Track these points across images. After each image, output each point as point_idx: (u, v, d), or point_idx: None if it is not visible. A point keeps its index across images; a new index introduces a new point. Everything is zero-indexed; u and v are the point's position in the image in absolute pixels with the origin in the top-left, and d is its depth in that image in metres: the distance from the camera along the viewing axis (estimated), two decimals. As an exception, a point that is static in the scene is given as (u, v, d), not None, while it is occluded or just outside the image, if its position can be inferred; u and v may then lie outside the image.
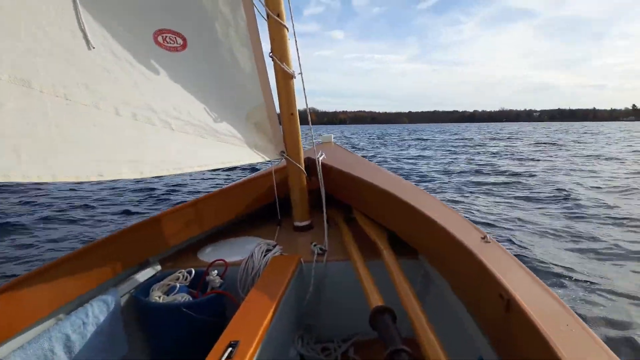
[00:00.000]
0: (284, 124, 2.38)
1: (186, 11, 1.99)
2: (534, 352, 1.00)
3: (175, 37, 1.96)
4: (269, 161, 2.39)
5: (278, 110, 2.37)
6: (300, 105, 2.40)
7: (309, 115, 2.43)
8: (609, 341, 2.99)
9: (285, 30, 2.24)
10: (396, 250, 1.96)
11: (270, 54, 2.25)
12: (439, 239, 1.68)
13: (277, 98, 2.33)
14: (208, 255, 2.20)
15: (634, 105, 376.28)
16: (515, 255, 1.46)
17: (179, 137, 1.93)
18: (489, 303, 1.26)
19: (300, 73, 2.30)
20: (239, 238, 2.46)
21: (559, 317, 1.06)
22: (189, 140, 1.96)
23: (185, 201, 2.38)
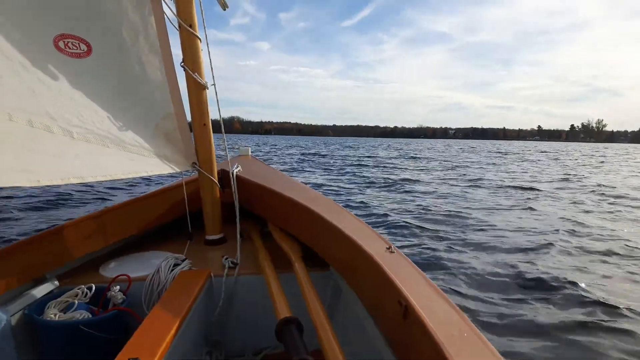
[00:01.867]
0: (196, 135, 2.33)
1: (92, 17, 1.89)
2: (429, 356, 1.04)
3: (78, 43, 1.85)
4: (180, 173, 2.32)
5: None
6: (215, 116, 2.38)
7: (222, 127, 2.41)
8: (501, 347, 3.21)
9: (198, 40, 2.21)
10: (309, 263, 1.98)
11: (182, 64, 2.21)
12: (346, 250, 1.72)
13: (189, 109, 2.28)
14: (111, 270, 2.08)
15: (539, 127, 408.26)
16: (417, 264, 1.53)
17: (80, 145, 1.83)
18: (390, 310, 1.31)
19: (214, 84, 2.27)
20: (145, 252, 2.36)
21: (453, 323, 1.12)
22: (92, 149, 1.87)
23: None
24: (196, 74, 2.21)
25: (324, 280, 2.03)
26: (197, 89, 2.26)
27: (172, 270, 1.91)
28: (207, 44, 2.24)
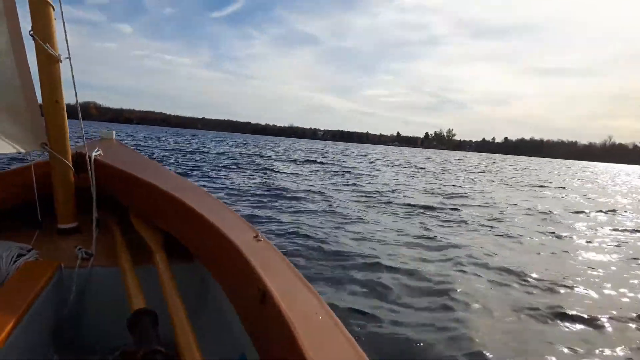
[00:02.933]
0: (47, 113, 2.10)
1: None
2: (281, 340, 1.06)
3: None
4: (25, 153, 2.09)
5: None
6: (70, 97, 2.15)
7: (79, 106, 2.19)
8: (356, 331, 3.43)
9: (51, 8, 2.00)
10: (174, 255, 1.92)
11: (31, 32, 1.97)
12: (211, 239, 1.69)
13: (39, 84, 2.05)
14: None
15: (398, 133, 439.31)
16: (285, 253, 1.57)
17: None
18: (249, 297, 1.32)
19: (69, 57, 2.07)
20: None
21: (310, 306, 1.16)
22: None
23: None
24: (47, 44, 2.00)
25: (189, 272, 1.97)
26: (48, 62, 2.03)
27: (15, 261, 1.71)
28: (62, 12, 2.03)
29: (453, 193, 14.76)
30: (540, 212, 11.42)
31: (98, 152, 2.55)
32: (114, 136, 3.64)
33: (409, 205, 10.84)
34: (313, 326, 1.05)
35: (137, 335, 1.32)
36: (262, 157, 26.32)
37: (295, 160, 25.32)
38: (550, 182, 24.80)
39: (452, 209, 10.82)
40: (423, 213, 9.82)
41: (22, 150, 2.03)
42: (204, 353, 1.26)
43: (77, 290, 1.80)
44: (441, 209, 10.66)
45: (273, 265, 1.40)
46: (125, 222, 2.36)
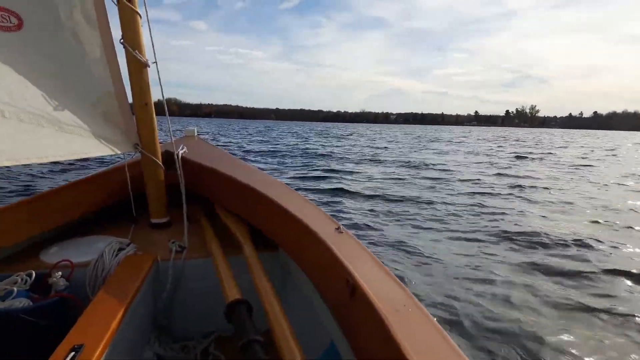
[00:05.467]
0: (137, 115, 2.25)
1: None
2: (374, 332, 1.08)
3: (8, 16, 1.73)
4: (122, 154, 2.24)
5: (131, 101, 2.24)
6: (157, 96, 2.29)
7: (166, 107, 2.33)
8: (443, 321, 3.37)
9: (138, 16, 2.13)
10: (258, 244, 1.98)
11: (121, 40, 2.12)
12: (295, 230, 1.74)
13: (130, 88, 2.20)
14: (52, 255, 1.97)
15: (476, 112, 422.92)
16: (366, 245, 1.58)
17: (13, 125, 1.71)
18: (338, 289, 1.34)
19: (155, 62, 2.20)
20: (88, 237, 2.26)
21: (399, 300, 1.17)
22: (26, 129, 1.76)
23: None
24: (136, 51, 2.13)
25: (273, 261, 2.05)
26: (137, 67, 2.17)
27: (116, 255, 1.86)
28: (148, 20, 2.15)
29: None
30: None
31: (184, 150, 2.69)
32: (196, 133, 3.82)
33: None
34: (403, 318, 1.06)
35: (235, 324, 1.38)
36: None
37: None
38: None
39: None
40: None
41: (118, 152, 2.17)
42: None
43: (172, 281, 1.92)
44: None
45: (358, 257, 1.43)
46: (212, 215, 2.48)
